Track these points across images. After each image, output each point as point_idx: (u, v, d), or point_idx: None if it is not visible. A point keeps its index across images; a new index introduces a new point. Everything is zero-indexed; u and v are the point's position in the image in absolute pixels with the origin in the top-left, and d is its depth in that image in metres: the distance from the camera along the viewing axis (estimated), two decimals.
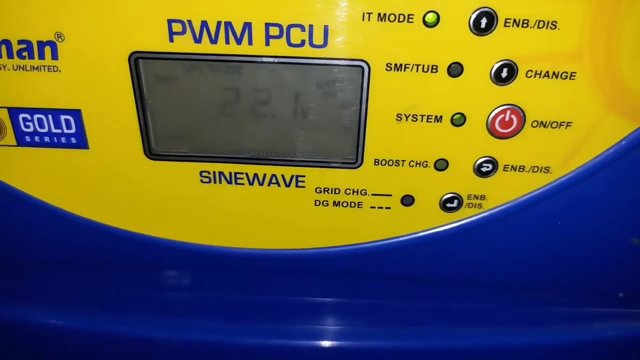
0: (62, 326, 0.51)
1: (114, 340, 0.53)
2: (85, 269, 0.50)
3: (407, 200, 0.43)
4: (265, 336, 0.51)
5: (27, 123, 0.41)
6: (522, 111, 0.39)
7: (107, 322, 0.51)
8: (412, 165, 0.41)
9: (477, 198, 0.43)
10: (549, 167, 0.41)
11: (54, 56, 0.38)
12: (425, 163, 0.41)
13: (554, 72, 0.37)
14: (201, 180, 0.43)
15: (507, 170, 0.41)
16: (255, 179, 0.43)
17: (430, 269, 0.48)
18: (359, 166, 0.41)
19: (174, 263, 0.48)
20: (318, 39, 0.37)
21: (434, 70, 0.37)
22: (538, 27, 0.36)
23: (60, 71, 0.39)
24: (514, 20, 0.36)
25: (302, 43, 0.37)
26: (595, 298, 0.52)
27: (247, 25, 0.36)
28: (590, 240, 0.45)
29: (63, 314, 0.53)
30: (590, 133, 0.39)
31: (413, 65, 0.37)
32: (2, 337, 0.54)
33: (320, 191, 0.43)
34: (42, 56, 0.38)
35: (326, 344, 0.52)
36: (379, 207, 0.43)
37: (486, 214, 0.43)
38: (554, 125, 0.39)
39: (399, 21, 0.36)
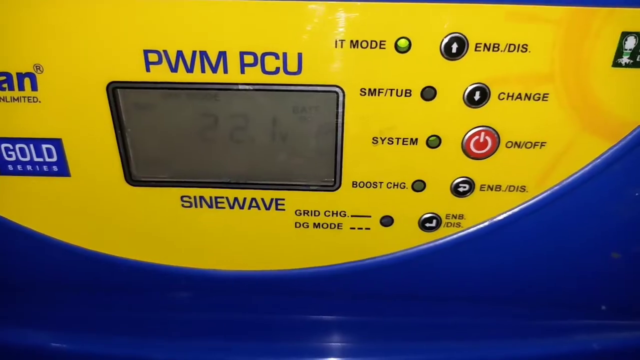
0: (45, 347, 0.51)
1: None
2: (69, 292, 0.50)
3: (387, 221, 0.43)
4: (249, 355, 0.52)
5: (9, 152, 0.41)
6: (496, 132, 0.39)
7: (91, 344, 0.51)
8: (390, 187, 0.42)
9: (455, 217, 0.43)
10: (525, 186, 0.41)
11: (34, 87, 0.39)
12: (402, 184, 0.42)
13: (526, 94, 0.38)
14: (182, 205, 0.43)
15: (484, 190, 0.42)
16: (236, 203, 0.43)
17: (411, 287, 0.48)
18: (337, 188, 0.42)
19: (158, 286, 0.48)
20: (292, 66, 0.37)
21: (408, 95, 0.38)
22: (509, 51, 0.36)
23: (40, 102, 0.39)
24: (485, 45, 0.36)
25: (277, 70, 0.37)
26: (578, 311, 0.53)
27: (222, 54, 0.37)
28: (569, 255, 0.46)
29: (48, 336, 0.53)
30: (565, 152, 0.40)
31: (387, 89, 0.38)
32: None
33: (300, 213, 0.43)
34: (21, 87, 0.39)
35: None
36: (358, 228, 0.44)
37: (465, 232, 0.44)
38: (529, 145, 0.39)
39: (371, 47, 0.36)
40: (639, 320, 0.55)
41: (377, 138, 0.40)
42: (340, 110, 0.39)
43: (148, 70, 0.38)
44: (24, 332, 0.54)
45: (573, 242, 0.45)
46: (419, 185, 0.42)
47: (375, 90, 0.38)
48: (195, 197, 0.43)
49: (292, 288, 0.48)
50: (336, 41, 0.36)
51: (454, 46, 0.36)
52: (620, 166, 0.40)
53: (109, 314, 0.52)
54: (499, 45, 0.36)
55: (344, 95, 0.38)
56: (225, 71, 0.37)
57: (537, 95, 0.38)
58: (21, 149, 0.41)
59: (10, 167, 0.42)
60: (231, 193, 0.43)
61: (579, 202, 0.42)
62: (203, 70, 0.38)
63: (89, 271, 0.47)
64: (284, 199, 0.43)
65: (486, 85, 0.37)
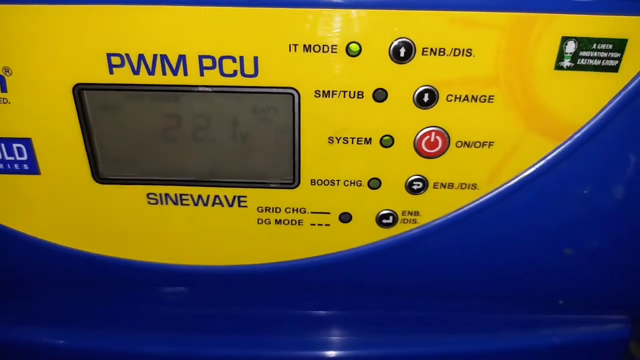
0: (17, 341, 0.53)
1: (66, 355, 0.55)
2: (41, 287, 0.52)
3: (345, 218, 0.45)
4: (211, 346, 0.53)
5: None
6: (446, 132, 0.41)
7: (63, 337, 0.53)
8: (347, 185, 0.44)
9: (411, 214, 0.45)
10: (476, 184, 0.43)
11: (3, 89, 0.40)
12: (359, 182, 0.43)
13: (473, 96, 0.39)
14: (148, 202, 0.45)
15: (437, 188, 0.43)
16: (200, 200, 0.45)
17: (370, 281, 0.50)
18: (296, 186, 0.44)
19: (126, 280, 0.50)
20: (249, 69, 0.39)
21: (360, 96, 0.40)
22: (454, 55, 0.38)
23: (9, 103, 0.41)
24: (431, 49, 0.38)
25: (235, 73, 0.39)
26: (538, 305, 0.54)
27: (182, 58, 0.39)
28: (522, 251, 0.48)
29: (18, 330, 0.55)
30: (512, 152, 0.42)
31: (340, 91, 0.40)
32: None
33: (262, 210, 0.45)
34: None
35: (271, 353, 0.54)
36: (318, 224, 0.46)
37: (420, 228, 0.46)
38: (477, 145, 0.41)
39: (323, 52, 0.38)
40: (597, 315, 0.56)
41: (332, 138, 0.41)
42: (296, 111, 0.40)
43: (112, 72, 0.39)
44: None
45: (524, 239, 0.47)
46: (374, 183, 0.43)
47: (329, 92, 0.40)
48: (160, 195, 0.45)
49: (255, 282, 0.50)
50: (290, 45, 0.38)
51: (402, 50, 0.38)
52: (566, 165, 0.42)
53: (79, 308, 0.54)
54: (444, 49, 0.38)
55: (299, 97, 0.40)
56: (186, 74, 0.39)
57: (484, 97, 0.39)
58: None
59: None
60: (195, 190, 0.44)
61: (528, 199, 0.44)
62: (164, 73, 0.39)
63: (60, 266, 0.49)
64: (246, 196, 0.44)
65: (434, 88, 0.39)
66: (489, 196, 0.44)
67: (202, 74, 0.39)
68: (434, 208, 0.45)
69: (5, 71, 0.40)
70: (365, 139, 0.41)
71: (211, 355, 0.55)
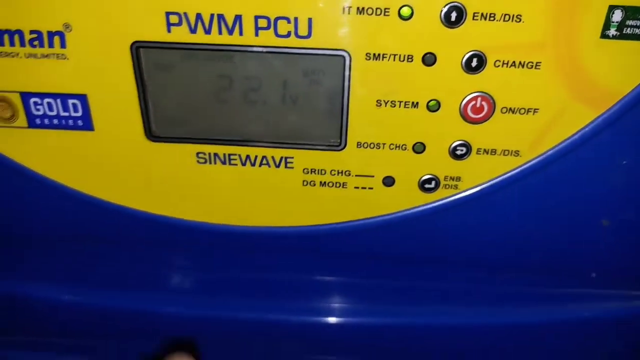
0: (65, 301, 0.55)
1: (116, 315, 0.56)
2: (87, 244, 0.53)
3: (388, 181, 0.46)
4: (252, 311, 0.55)
5: (38, 106, 0.45)
6: (492, 98, 0.42)
7: (107, 297, 0.54)
8: (392, 148, 0.45)
9: (453, 179, 0.46)
10: (518, 151, 0.44)
11: (62, 45, 0.42)
12: (404, 146, 0.44)
13: (520, 62, 0.40)
14: (197, 161, 0.46)
15: (480, 154, 0.44)
16: (248, 160, 0.46)
17: (410, 248, 0.51)
18: (342, 148, 0.45)
19: (171, 239, 0.51)
20: (303, 30, 0.40)
21: (410, 60, 0.41)
22: (504, 20, 0.39)
23: (67, 59, 0.42)
24: (482, 14, 0.39)
25: (289, 34, 0.40)
26: (569, 279, 0.55)
27: (238, 18, 0.40)
28: (560, 222, 0.48)
29: (67, 289, 0.56)
30: (556, 119, 0.42)
31: (390, 55, 0.41)
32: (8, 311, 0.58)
33: (308, 172, 0.46)
34: (51, 45, 0.42)
35: (314, 319, 0.56)
36: (362, 187, 0.47)
37: (462, 194, 0.46)
38: (522, 111, 0.42)
39: (376, 14, 0.39)
40: (629, 290, 0.57)
41: (380, 101, 0.42)
42: (346, 73, 0.41)
43: (169, 31, 0.41)
44: (40, 286, 0.57)
45: (563, 208, 0.48)
46: (419, 147, 0.44)
47: (379, 55, 0.41)
48: (209, 154, 0.46)
49: (297, 245, 0.51)
50: (344, 7, 0.39)
51: (453, 15, 0.39)
52: (607, 135, 0.43)
53: (123, 267, 0.55)
54: (494, 14, 0.39)
55: (350, 60, 0.41)
56: (241, 33, 0.40)
57: (530, 64, 0.40)
58: (49, 104, 0.44)
59: (37, 121, 0.45)
60: (243, 151, 0.46)
61: (569, 169, 0.45)
62: (220, 32, 0.40)
63: (108, 223, 0.50)
64: (292, 158, 0.46)
65: (483, 53, 0.40)
66: (530, 163, 0.44)
67: (256, 34, 0.40)
68: (476, 174, 0.45)
69: (65, 27, 0.41)
70: (413, 102, 0.42)
71: (248, 318, 0.56)
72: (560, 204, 0.47)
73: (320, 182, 0.47)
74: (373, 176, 0.46)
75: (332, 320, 0.56)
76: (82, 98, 0.44)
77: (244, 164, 0.46)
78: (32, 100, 0.44)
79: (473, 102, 0.42)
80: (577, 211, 0.48)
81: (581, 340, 0.58)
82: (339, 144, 0.44)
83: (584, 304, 0.57)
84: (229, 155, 0.46)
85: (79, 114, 0.44)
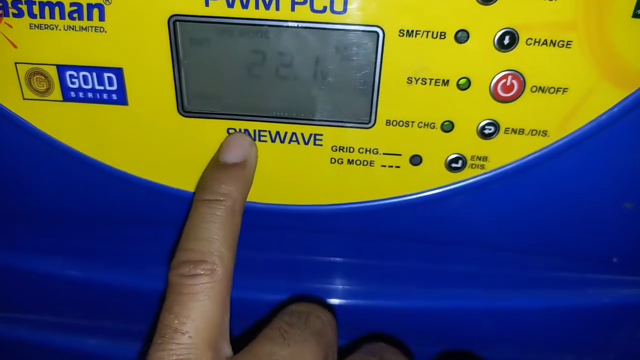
0: (91, 279, 0.55)
1: (140, 293, 0.57)
2: (119, 223, 0.54)
3: (415, 160, 0.47)
4: (274, 293, 0.55)
5: (73, 80, 0.45)
6: (522, 76, 0.42)
7: (134, 277, 0.55)
8: (421, 127, 0.45)
9: (479, 159, 0.46)
10: (546, 131, 0.45)
11: (101, 18, 0.42)
12: (432, 124, 0.45)
13: (551, 41, 0.41)
14: None
15: (507, 133, 0.45)
16: (277, 137, 0.47)
17: (435, 229, 0.51)
18: (372, 126, 0.45)
19: None
20: (338, 5, 0.41)
21: (442, 37, 0.41)
22: None
23: (106, 32, 0.43)
24: None
25: (324, 9, 0.41)
26: (591, 264, 0.55)
27: None
28: (585, 204, 0.49)
29: (95, 267, 0.57)
30: (585, 99, 0.43)
31: (423, 31, 0.41)
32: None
33: (336, 149, 0.47)
34: (90, 17, 0.42)
35: (334, 301, 0.56)
36: (389, 166, 0.47)
37: (488, 174, 0.47)
38: (552, 90, 0.43)
39: None
40: None
41: (411, 78, 0.43)
42: (379, 50, 0.42)
43: (207, 5, 0.41)
44: (72, 262, 0.57)
45: (589, 190, 0.48)
46: (447, 126, 0.45)
47: (412, 31, 0.41)
48: (240, 130, 0.47)
49: (322, 224, 0.51)
50: None
51: None
52: (636, 115, 0.43)
53: (153, 246, 0.56)
54: None
55: (384, 36, 0.42)
56: (277, 8, 0.41)
57: (562, 42, 0.41)
58: (84, 77, 0.45)
59: (72, 94, 0.46)
60: (273, 127, 0.46)
61: (597, 149, 0.45)
62: (257, 7, 0.41)
63: (139, 199, 0.51)
64: (322, 135, 0.46)
65: (515, 31, 0.41)
66: (558, 143, 0.45)
67: (293, 9, 0.41)
68: (503, 154, 0.46)
69: (105, 0, 0.42)
70: (443, 80, 0.43)
71: (270, 300, 0.57)
72: (586, 185, 0.47)
73: (348, 160, 0.47)
74: (400, 155, 0.47)
75: (353, 302, 0.56)
76: (118, 72, 0.44)
77: (273, 141, 0.47)
78: (68, 73, 0.45)
79: (504, 81, 0.42)
80: (603, 193, 0.48)
81: (600, 327, 0.58)
82: (368, 122, 0.45)
83: (604, 289, 0.57)
84: (259, 131, 0.46)
85: (114, 87, 0.45)
